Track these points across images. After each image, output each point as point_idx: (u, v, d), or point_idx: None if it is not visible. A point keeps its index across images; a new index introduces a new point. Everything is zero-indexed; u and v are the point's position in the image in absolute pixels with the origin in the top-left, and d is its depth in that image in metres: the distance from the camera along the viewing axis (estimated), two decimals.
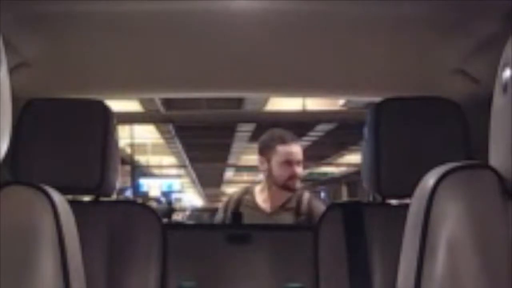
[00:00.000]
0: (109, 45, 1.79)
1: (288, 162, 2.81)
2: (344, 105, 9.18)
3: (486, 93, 1.19)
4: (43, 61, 1.82)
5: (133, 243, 1.75)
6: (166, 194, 16.89)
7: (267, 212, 2.83)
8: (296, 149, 2.84)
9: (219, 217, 2.92)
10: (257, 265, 1.99)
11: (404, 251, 1.08)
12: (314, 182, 21.27)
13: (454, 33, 1.63)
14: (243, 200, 2.88)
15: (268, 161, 2.83)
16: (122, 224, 1.77)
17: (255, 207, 2.85)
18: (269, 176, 2.84)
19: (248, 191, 2.94)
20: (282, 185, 2.82)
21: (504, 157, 0.96)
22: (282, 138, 2.86)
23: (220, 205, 3.11)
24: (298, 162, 2.82)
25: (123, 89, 2.27)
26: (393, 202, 1.82)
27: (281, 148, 2.82)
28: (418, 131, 1.70)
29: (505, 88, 0.95)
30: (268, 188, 2.86)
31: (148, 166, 18.74)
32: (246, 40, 1.74)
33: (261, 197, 2.88)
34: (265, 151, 2.86)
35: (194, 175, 21.77)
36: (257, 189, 2.91)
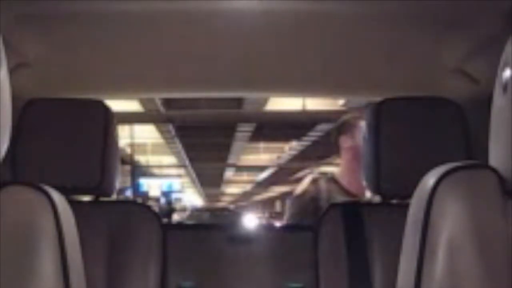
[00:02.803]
0: (109, 45, 1.79)
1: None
2: (344, 105, 9.18)
3: (486, 93, 1.19)
4: (43, 61, 1.82)
5: (133, 243, 1.75)
6: (166, 194, 16.89)
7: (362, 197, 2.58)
8: None
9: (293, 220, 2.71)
10: (257, 265, 1.99)
11: (404, 251, 1.08)
12: None
13: (454, 33, 1.63)
14: (330, 193, 2.65)
15: (352, 137, 2.67)
16: (122, 224, 1.77)
17: (348, 193, 2.63)
18: (355, 154, 2.61)
19: (326, 181, 2.70)
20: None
21: (504, 157, 0.96)
22: (362, 116, 2.64)
23: (287, 207, 2.85)
24: None
25: (123, 89, 2.26)
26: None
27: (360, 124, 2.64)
28: (418, 131, 1.70)
29: (505, 88, 0.95)
30: (353, 170, 2.62)
31: (148, 166, 18.74)
32: (246, 40, 1.74)
33: (346, 180, 2.67)
34: (347, 129, 2.69)
35: (194, 175, 21.77)
36: (338, 174, 2.71)
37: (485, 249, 0.95)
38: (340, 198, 2.57)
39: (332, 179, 2.69)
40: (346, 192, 2.64)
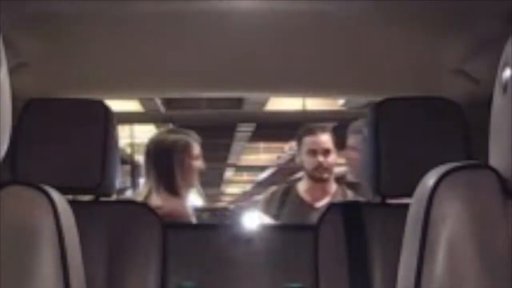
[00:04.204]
0: (109, 45, 1.79)
1: (313, 152, 2.87)
2: (344, 105, 9.17)
3: (486, 93, 1.19)
4: (43, 61, 1.82)
5: (133, 243, 1.75)
6: None
7: (314, 206, 2.83)
8: (322, 138, 2.88)
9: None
10: (257, 265, 1.98)
11: (404, 251, 1.08)
12: None
13: (454, 33, 1.63)
14: (288, 196, 2.91)
15: (301, 153, 2.91)
16: (122, 224, 1.77)
17: (300, 200, 2.88)
18: (303, 167, 2.93)
19: (291, 186, 2.98)
20: (311, 176, 2.88)
21: (504, 157, 0.96)
22: (310, 129, 2.93)
23: (259, 204, 3.11)
24: (324, 151, 2.86)
25: (123, 89, 2.26)
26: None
27: (307, 139, 2.91)
28: (418, 131, 1.70)
29: (505, 88, 0.95)
30: (307, 180, 2.92)
31: None
32: (246, 40, 1.74)
33: (303, 188, 2.91)
34: (298, 144, 2.95)
35: None
36: (300, 182, 2.96)
37: (485, 249, 0.95)
38: (291, 206, 2.86)
39: (290, 188, 2.97)
40: (301, 200, 2.89)
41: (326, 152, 2.86)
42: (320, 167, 2.86)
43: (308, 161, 2.88)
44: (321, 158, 2.86)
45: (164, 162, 2.62)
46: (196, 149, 2.69)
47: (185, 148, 2.65)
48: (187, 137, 2.70)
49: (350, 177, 2.88)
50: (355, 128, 2.74)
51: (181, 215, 2.56)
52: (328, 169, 2.87)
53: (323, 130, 2.93)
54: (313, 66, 1.96)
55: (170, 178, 2.60)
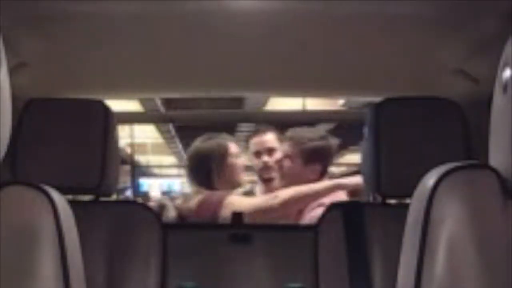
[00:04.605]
0: (109, 45, 1.79)
1: (258, 153, 2.83)
2: (344, 105, 9.17)
3: (486, 93, 1.19)
4: (43, 61, 1.82)
5: (133, 243, 1.75)
6: (167, 194, 16.85)
7: None
8: (264, 138, 2.84)
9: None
10: (257, 265, 1.98)
11: (404, 251, 1.08)
12: None
13: (454, 33, 1.63)
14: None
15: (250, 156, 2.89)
16: (122, 224, 1.77)
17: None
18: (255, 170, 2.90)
19: (250, 191, 2.99)
20: (261, 177, 2.85)
21: (504, 157, 0.96)
22: (255, 131, 2.91)
23: None
24: (267, 151, 2.80)
25: (123, 89, 2.26)
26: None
27: (252, 141, 2.88)
28: (418, 131, 1.70)
29: (505, 88, 0.95)
30: (260, 182, 2.89)
31: (148, 166, 18.73)
32: (246, 40, 1.74)
33: (260, 191, 2.89)
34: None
35: None
36: (257, 186, 2.95)
37: (485, 248, 0.95)
38: None
39: (248, 194, 2.93)
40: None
41: (270, 151, 2.80)
42: (265, 167, 2.80)
43: (254, 163, 2.85)
44: (265, 158, 2.80)
45: (204, 168, 2.64)
46: (234, 147, 2.71)
47: (221, 149, 2.67)
48: (222, 140, 2.72)
49: (276, 184, 2.77)
50: (296, 138, 2.66)
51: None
52: (274, 168, 2.79)
53: (267, 130, 2.87)
54: (313, 66, 1.96)
55: (210, 182, 2.63)
